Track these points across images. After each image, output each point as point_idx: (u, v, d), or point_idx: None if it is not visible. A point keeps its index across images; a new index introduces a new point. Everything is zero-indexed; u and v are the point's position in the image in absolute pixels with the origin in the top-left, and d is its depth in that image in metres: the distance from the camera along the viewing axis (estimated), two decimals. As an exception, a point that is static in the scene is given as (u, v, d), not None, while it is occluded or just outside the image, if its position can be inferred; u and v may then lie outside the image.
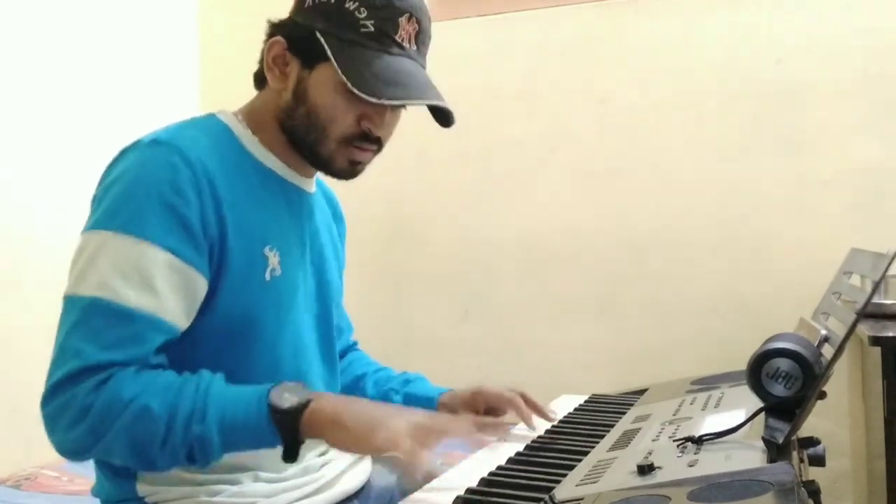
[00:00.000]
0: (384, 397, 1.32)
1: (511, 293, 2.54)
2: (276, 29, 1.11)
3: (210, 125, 1.10)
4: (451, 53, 2.48)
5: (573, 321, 2.48)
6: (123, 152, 1.04)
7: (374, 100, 1.03)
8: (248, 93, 1.17)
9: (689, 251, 2.37)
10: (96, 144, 2.19)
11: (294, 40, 1.08)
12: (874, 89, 2.23)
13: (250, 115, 1.14)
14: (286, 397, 0.94)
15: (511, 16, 2.54)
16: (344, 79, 1.02)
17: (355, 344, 1.43)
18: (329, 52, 1.04)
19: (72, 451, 0.97)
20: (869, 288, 0.96)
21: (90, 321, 0.94)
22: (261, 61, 1.13)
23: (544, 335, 2.50)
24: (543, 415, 1.26)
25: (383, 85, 1.03)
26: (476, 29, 2.56)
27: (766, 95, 2.31)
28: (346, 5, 1.05)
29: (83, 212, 1.04)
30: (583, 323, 2.47)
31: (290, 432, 0.94)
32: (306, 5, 1.08)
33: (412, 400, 1.30)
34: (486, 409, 1.29)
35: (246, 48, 1.16)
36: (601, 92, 2.46)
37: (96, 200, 1.02)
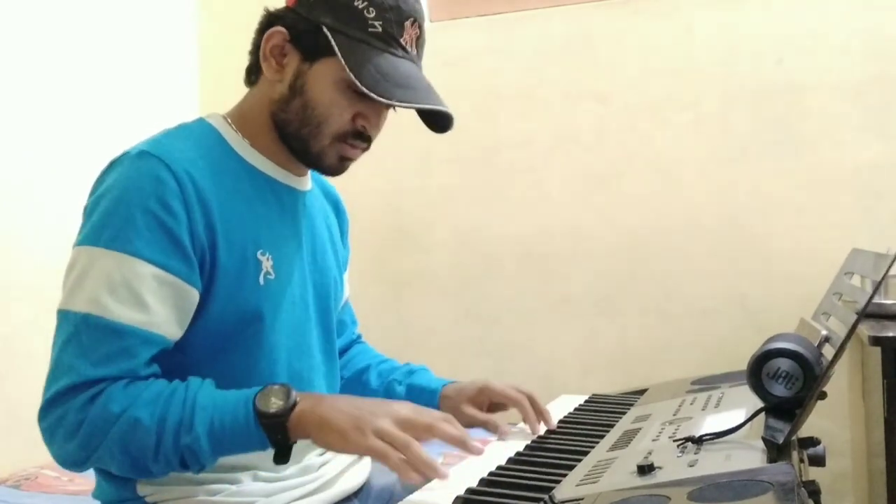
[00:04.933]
0: (387, 388, 1.31)
1: (511, 293, 2.54)
2: (275, 19, 1.09)
3: (199, 131, 1.10)
4: (451, 53, 2.48)
5: (573, 321, 2.48)
6: (112, 164, 1.04)
7: (383, 101, 1.02)
8: (248, 94, 1.17)
9: (689, 251, 2.37)
10: (95, 146, 2.20)
11: (296, 32, 1.07)
12: (874, 89, 2.23)
13: (240, 117, 1.13)
14: (272, 401, 0.94)
15: (511, 16, 2.54)
16: (352, 77, 1.02)
17: (359, 337, 1.43)
18: (336, 49, 1.03)
19: (69, 462, 0.99)
20: (870, 288, 0.96)
21: (81, 337, 0.95)
22: (254, 52, 1.12)
23: (544, 335, 2.50)
24: (547, 422, 1.23)
25: (392, 86, 1.03)
26: (476, 29, 2.56)
27: (766, 95, 2.31)
28: (355, 3, 1.04)
29: (81, 214, 1.04)
30: (583, 323, 2.47)
31: (278, 436, 0.94)
32: None
33: (415, 391, 1.29)
34: (490, 406, 1.28)
35: (245, 49, 1.15)
36: (601, 92, 2.46)
37: (86, 213, 1.02)
